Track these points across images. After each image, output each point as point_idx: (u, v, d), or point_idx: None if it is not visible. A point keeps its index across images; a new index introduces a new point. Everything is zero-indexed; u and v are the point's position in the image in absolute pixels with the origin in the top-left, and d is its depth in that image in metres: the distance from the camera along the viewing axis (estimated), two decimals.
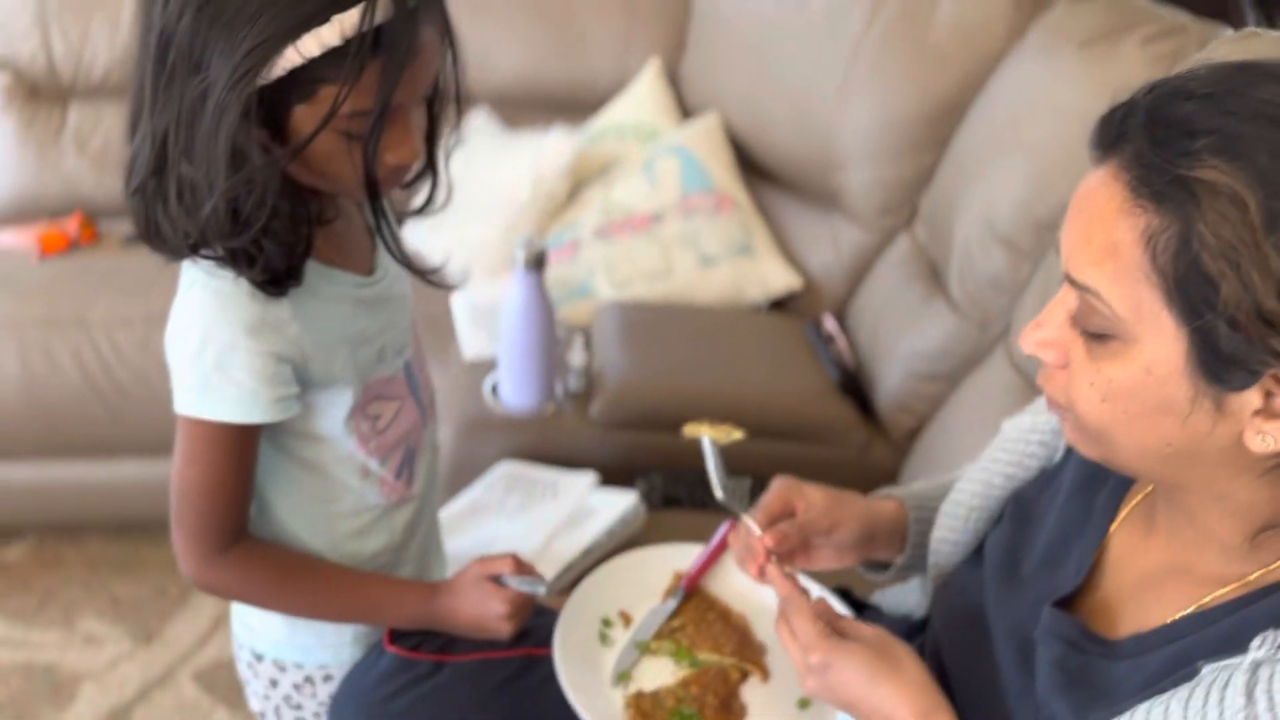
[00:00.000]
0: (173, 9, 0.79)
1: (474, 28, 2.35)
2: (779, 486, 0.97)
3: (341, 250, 0.98)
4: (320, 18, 0.77)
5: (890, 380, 1.63)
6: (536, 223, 2.03)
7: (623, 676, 0.99)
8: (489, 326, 1.71)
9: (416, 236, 2.25)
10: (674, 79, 2.33)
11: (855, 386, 1.70)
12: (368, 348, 0.99)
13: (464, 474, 1.54)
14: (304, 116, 0.82)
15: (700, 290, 1.89)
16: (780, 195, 2.08)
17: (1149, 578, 0.79)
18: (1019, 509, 0.94)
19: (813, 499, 0.97)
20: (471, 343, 1.75)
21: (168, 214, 0.85)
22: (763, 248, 1.93)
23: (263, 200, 0.82)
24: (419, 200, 1.03)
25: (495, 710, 0.98)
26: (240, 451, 0.93)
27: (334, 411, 0.97)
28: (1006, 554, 0.92)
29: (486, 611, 0.99)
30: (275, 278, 0.88)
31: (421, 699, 0.97)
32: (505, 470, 1.52)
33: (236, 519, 0.96)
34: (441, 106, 0.96)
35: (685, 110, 2.28)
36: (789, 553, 0.96)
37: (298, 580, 0.99)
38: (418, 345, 1.11)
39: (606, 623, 1.05)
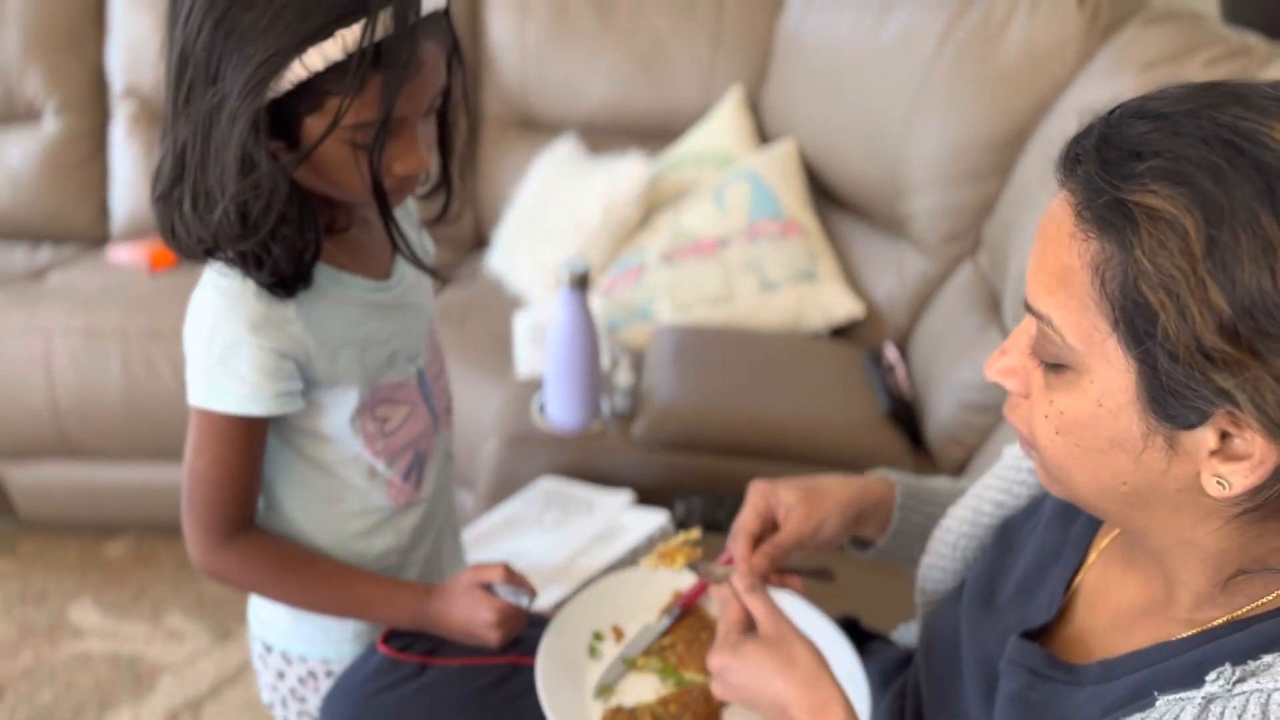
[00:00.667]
0: (192, 27, 0.84)
1: (563, 57, 2.43)
2: (754, 501, 0.97)
3: (356, 256, 1.02)
4: (323, 33, 0.81)
5: (941, 410, 1.59)
6: (607, 247, 2.06)
7: (604, 690, 1.00)
8: (543, 345, 1.74)
9: (498, 258, 2.32)
10: (755, 107, 2.34)
11: (908, 416, 1.66)
12: (377, 351, 1.02)
13: (507, 487, 1.57)
14: (313, 127, 0.86)
15: (760, 316, 1.88)
16: (851, 222, 2.06)
17: (1121, 616, 0.76)
18: (1004, 537, 0.91)
19: (789, 501, 0.96)
20: (527, 361, 1.78)
21: (184, 219, 0.91)
22: (827, 274, 1.91)
23: (269, 206, 0.86)
24: (434, 211, 1.07)
25: (474, 714, 1.00)
26: (246, 444, 0.97)
27: (339, 411, 1.01)
28: (985, 583, 0.89)
29: (474, 618, 1.01)
30: (282, 280, 0.92)
31: (405, 699, 0.99)
32: (545, 486, 1.54)
33: (241, 509, 1.00)
34: (454, 120, 1.00)
35: (764, 138, 2.28)
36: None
37: (296, 572, 1.02)
38: (435, 354, 1.14)
39: (598, 636, 1.06)
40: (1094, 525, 0.82)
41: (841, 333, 1.94)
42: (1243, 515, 0.63)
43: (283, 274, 0.92)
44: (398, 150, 0.91)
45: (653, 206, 2.17)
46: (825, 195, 2.14)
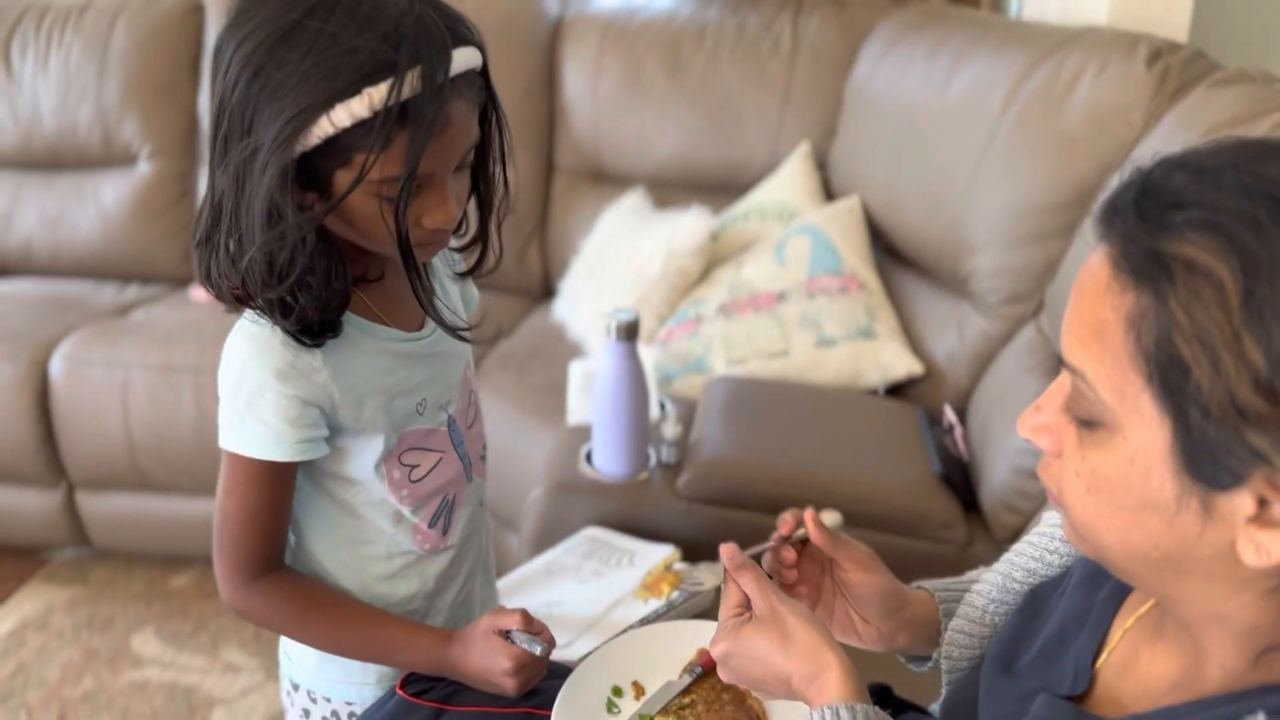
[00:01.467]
0: (229, 81, 0.87)
1: (635, 112, 2.47)
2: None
3: (388, 306, 1.04)
4: (351, 91, 0.83)
5: (996, 475, 1.55)
6: (666, 298, 2.07)
7: None
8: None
9: (562, 307, 2.34)
10: (822, 163, 2.34)
11: (963, 480, 1.62)
12: (405, 399, 1.04)
13: (551, 535, 1.57)
14: (342, 180, 0.88)
15: (816, 371, 1.86)
16: (913, 280, 2.04)
17: (1151, 689, 0.73)
18: (1031, 603, 0.89)
19: (852, 544, 0.97)
20: (578, 409, 1.79)
21: (219, 264, 0.93)
22: (885, 332, 1.89)
23: (294, 257, 0.88)
24: (469, 263, 1.08)
25: None
26: (271, 486, 0.99)
27: (364, 457, 1.02)
28: (1007, 645, 0.86)
29: (491, 665, 1.00)
30: (308, 329, 0.94)
31: None
32: (589, 534, 1.54)
33: (267, 549, 1.01)
34: (493, 174, 1.02)
35: (830, 194, 2.28)
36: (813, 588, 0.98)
37: (320, 613, 1.03)
38: (470, 401, 1.15)
39: (617, 691, 1.04)
40: (1120, 594, 0.79)
41: (898, 391, 1.91)
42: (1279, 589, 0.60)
43: (309, 323, 0.94)
44: (427, 205, 0.92)
45: (715, 260, 2.18)
46: (888, 252, 2.12)
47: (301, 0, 0.85)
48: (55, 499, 2.33)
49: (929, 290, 1.99)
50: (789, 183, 2.25)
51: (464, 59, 0.89)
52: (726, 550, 0.91)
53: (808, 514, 0.97)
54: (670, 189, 2.48)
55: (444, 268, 1.13)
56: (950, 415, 1.77)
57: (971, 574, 1.02)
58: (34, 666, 2.11)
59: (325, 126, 0.84)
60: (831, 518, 1.47)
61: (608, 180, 2.58)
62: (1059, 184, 1.66)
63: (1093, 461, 0.63)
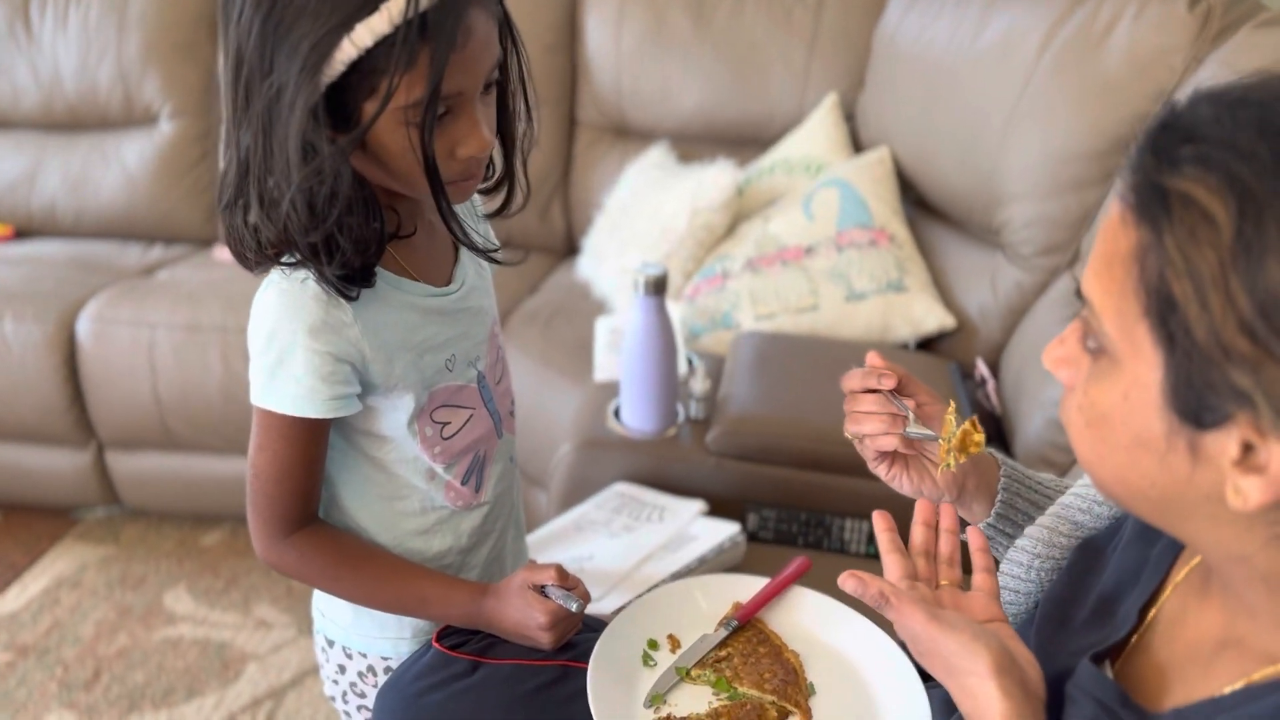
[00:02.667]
0: (243, 27, 0.85)
1: (658, 65, 2.43)
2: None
3: (418, 262, 1.02)
4: (369, 8, 0.81)
5: (1030, 428, 1.53)
6: (692, 253, 2.04)
7: (655, 699, 0.98)
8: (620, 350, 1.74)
9: (586, 263, 2.32)
10: (850, 115, 2.30)
11: (996, 434, 1.60)
12: (434, 356, 1.02)
13: (580, 491, 1.56)
14: (372, 111, 0.85)
15: (846, 325, 1.84)
16: (944, 232, 2.00)
17: (1200, 648, 0.72)
18: (1083, 558, 0.87)
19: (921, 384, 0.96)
20: (605, 366, 1.78)
21: (250, 223, 0.92)
22: (916, 285, 1.86)
23: (334, 192, 0.86)
24: (496, 203, 1.06)
25: (522, 715, 0.98)
26: (305, 443, 0.98)
27: (396, 415, 1.01)
28: (1060, 604, 0.85)
29: (527, 620, 1.00)
30: (350, 274, 0.93)
31: (453, 697, 0.99)
32: (618, 490, 1.53)
33: (302, 505, 1.01)
34: (514, 108, 0.99)
35: (859, 145, 2.24)
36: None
37: (353, 567, 1.03)
38: (498, 358, 1.14)
39: (653, 644, 1.04)
40: (1175, 548, 0.77)
41: (930, 344, 1.89)
42: None
43: (350, 267, 0.92)
44: (459, 133, 0.89)
45: (742, 214, 2.15)
46: (919, 204, 2.09)
47: None
48: (85, 459, 2.35)
49: (961, 242, 1.96)
50: (816, 135, 2.22)
51: None
52: (880, 520, 0.87)
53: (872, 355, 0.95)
54: (695, 143, 2.45)
55: (470, 212, 1.11)
56: (983, 369, 1.75)
57: (1043, 475, 1.00)
58: (69, 624, 2.13)
59: (348, 50, 0.82)
60: None
61: (631, 135, 2.55)
62: (1096, 131, 1.62)
63: (1094, 395, 0.64)
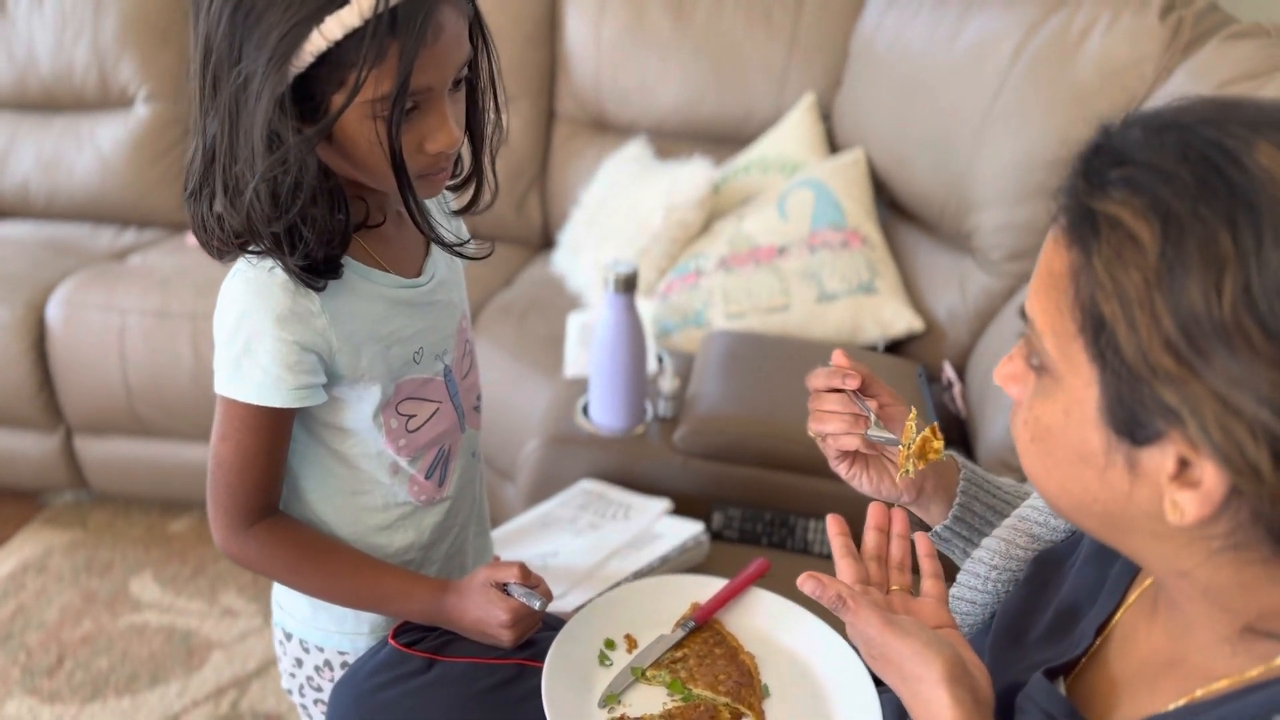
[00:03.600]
0: (213, 15, 0.85)
1: (637, 60, 2.43)
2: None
3: (388, 253, 1.02)
4: (339, 1, 0.81)
5: (994, 434, 1.54)
6: (667, 250, 2.05)
7: (610, 699, 0.98)
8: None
9: (561, 258, 2.32)
10: (828, 115, 2.31)
11: (960, 437, 1.62)
12: (401, 348, 1.03)
13: (547, 487, 1.57)
14: (340, 103, 0.85)
15: (816, 326, 1.85)
16: (916, 235, 2.02)
17: (1148, 666, 0.73)
18: (1040, 571, 0.88)
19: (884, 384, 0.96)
20: (575, 362, 1.78)
21: (214, 210, 0.91)
22: (886, 288, 1.87)
23: (299, 183, 0.86)
24: (465, 199, 1.06)
25: (476, 714, 0.99)
26: (268, 433, 0.98)
27: (362, 406, 1.01)
28: (1016, 617, 0.86)
29: (488, 617, 1.01)
30: (313, 265, 0.93)
31: (407, 694, 0.99)
32: (584, 487, 1.53)
33: (263, 497, 1.01)
34: (484, 105, 0.99)
35: (835, 146, 2.25)
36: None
37: (314, 560, 1.03)
38: (466, 352, 1.14)
39: (609, 644, 1.04)
40: (1133, 569, 0.79)
41: (898, 347, 1.90)
42: (1230, 552, 0.60)
43: (314, 258, 0.92)
44: (428, 128, 0.90)
45: (718, 211, 2.15)
46: (892, 206, 2.10)
47: None
48: (53, 443, 2.33)
49: (932, 246, 1.97)
50: (793, 135, 2.22)
51: None
52: (834, 524, 0.88)
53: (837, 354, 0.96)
54: (673, 139, 2.45)
55: (439, 208, 1.11)
56: (949, 372, 1.76)
57: (1003, 480, 1.01)
58: (33, 609, 2.12)
59: (317, 41, 0.82)
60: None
61: (609, 129, 2.55)
62: (1067, 138, 1.62)
63: (1037, 410, 0.65)
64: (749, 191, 2.18)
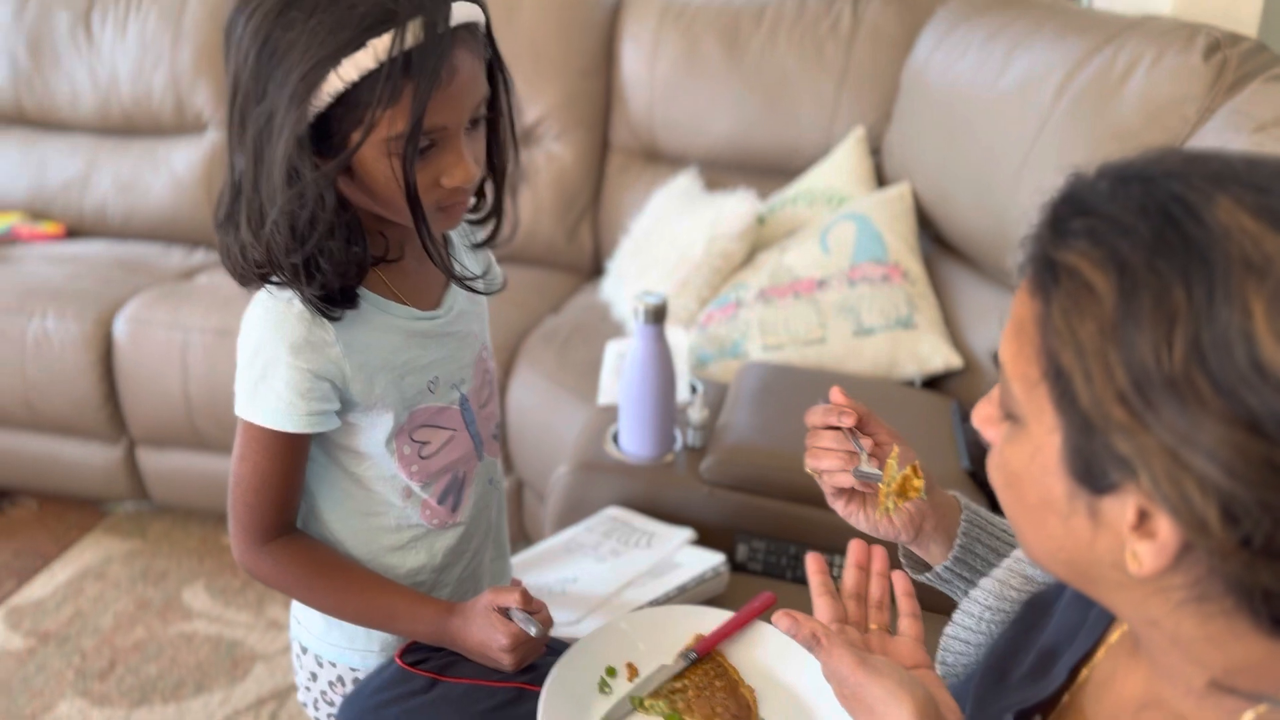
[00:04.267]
0: (241, 55, 0.90)
1: (690, 92, 2.46)
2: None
3: (406, 286, 1.06)
4: (355, 44, 0.85)
5: None
6: (708, 281, 2.06)
7: None
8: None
9: (609, 286, 2.35)
10: (877, 149, 2.31)
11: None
12: (416, 377, 1.06)
13: (574, 512, 1.59)
14: (358, 140, 0.89)
15: (853, 360, 1.84)
16: (960, 271, 2.00)
17: (1124, 708, 0.73)
18: (1029, 612, 0.88)
19: (881, 421, 0.97)
20: (608, 389, 1.80)
21: (239, 240, 0.96)
22: (925, 323, 1.86)
23: (315, 217, 0.90)
24: (484, 234, 1.10)
25: None
26: (284, 455, 1.02)
27: (375, 432, 1.05)
28: (1001, 658, 0.86)
29: (489, 640, 1.03)
30: (330, 295, 0.97)
31: (408, 712, 1.01)
32: (610, 514, 1.55)
33: (278, 515, 1.05)
34: (502, 140, 1.03)
35: (883, 180, 2.25)
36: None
37: (326, 578, 1.06)
38: (485, 381, 1.17)
39: (610, 671, 1.06)
40: None
41: (937, 382, 1.88)
42: (1193, 604, 0.60)
43: (330, 289, 0.96)
44: (445, 163, 0.93)
45: (763, 243, 2.17)
46: (937, 241, 2.09)
47: None
48: (117, 454, 2.42)
49: (975, 281, 1.96)
50: (840, 167, 2.23)
51: (464, 11, 0.90)
52: (813, 563, 0.88)
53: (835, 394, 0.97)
54: (723, 170, 2.47)
55: (461, 241, 1.14)
56: None
57: (1006, 521, 1.01)
58: (90, 614, 2.20)
59: (335, 83, 0.86)
60: None
61: (661, 160, 2.58)
62: None
63: (1007, 454, 0.65)
64: (795, 223, 2.18)
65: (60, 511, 2.55)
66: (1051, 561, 0.67)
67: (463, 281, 1.05)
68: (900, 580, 0.90)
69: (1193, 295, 0.53)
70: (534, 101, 2.58)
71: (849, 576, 0.90)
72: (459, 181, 0.94)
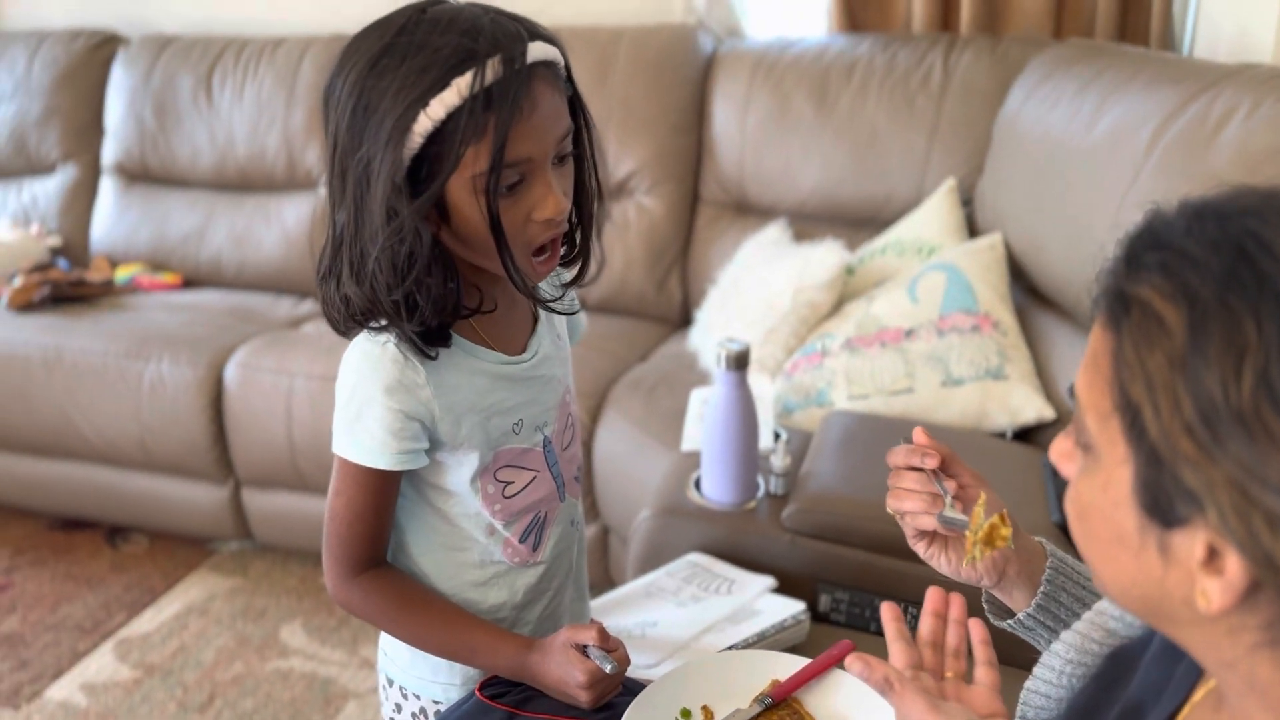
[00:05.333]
0: (340, 112, 0.95)
1: (781, 145, 2.49)
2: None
3: (494, 331, 1.10)
4: (440, 84, 0.90)
5: None
6: (795, 330, 2.07)
7: None
8: None
9: (696, 335, 2.38)
10: (969, 200, 2.30)
11: None
12: (501, 419, 1.10)
13: (655, 558, 1.60)
14: (453, 185, 0.94)
15: (941, 410, 1.83)
16: (1054, 322, 1.97)
17: None
18: (1112, 667, 0.86)
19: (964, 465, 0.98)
20: (692, 436, 1.82)
21: (341, 288, 1.01)
22: (1017, 374, 1.84)
23: (413, 252, 0.95)
24: (570, 274, 1.14)
25: None
26: (375, 491, 1.07)
27: (461, 471, 1.09)
28: (1083, 713, 0.85)
29: (567, 677, 1.04)
30: (427, 333, 1.01)
31: None
32: (691, 560, 1.56)
33: (369, 548, 1.09)
34: (585, 180, 1.06)
35: (975, 231, 2.23)
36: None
37: (411, 610, 1.10)
38: (568, 424, 1.20)
39: (685, 714, 1.07)
40: (1199, 668, 0.76)
41: (1029, 435, 1.85)
42: (1268, 648, 0.59)
43: (428, 325, 1.00)
44: (534, 198, 0.97)
45: (851, 293, 2.17)
46: (1030, 292, 2.06)
47: (390, 25, 0.93)
48: (224, 494, 2.52)
49: (1069, 333, 1.93)
50: (931, 218, 2.22)
51: (541, 50, 0.95)
52: (888, 610, 0.90)
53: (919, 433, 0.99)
54: (812, 222, 2.49)
55: (549, 284, 1.18)
56: None
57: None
58: (193, 648, 2.29)
59: (424, 123, 0.91)
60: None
61: (751, 212, 2.61)
62: None
63: (1080, 488, 0.66)
64: (885, 273, 2.19)
65: (169, 549, 2.66)
66: (1125, 598, 0.66)
67: (546, 304, 1.09)
68: (977, 628, 0.89)
69: (1263, 330, 0.54)
70: (626, 156, 2.64)
71: (925, 624, 0.90)
72: (549, 213, 0.98)
